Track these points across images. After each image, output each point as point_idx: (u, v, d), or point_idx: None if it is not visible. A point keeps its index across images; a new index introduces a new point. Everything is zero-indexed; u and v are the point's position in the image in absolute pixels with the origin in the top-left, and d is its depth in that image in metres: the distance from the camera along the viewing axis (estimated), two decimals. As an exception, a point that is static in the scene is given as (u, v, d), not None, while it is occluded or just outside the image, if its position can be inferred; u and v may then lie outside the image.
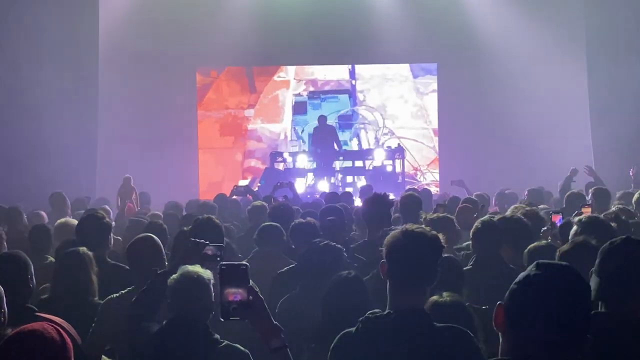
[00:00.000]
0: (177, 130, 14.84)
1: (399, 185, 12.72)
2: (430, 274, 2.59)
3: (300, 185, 12.62)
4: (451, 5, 14.64)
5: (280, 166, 13.45)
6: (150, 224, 5.45)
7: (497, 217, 4.75)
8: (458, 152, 14.74)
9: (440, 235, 2.66)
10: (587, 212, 5.33)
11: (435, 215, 5.11)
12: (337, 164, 13.47)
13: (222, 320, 2.25)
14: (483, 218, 4.64)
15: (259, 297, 2.31)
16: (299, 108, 15.69)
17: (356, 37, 14.64)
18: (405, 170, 13.85)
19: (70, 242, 4.69)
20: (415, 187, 11.68)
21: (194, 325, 3.03)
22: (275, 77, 15.83)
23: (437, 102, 15.68)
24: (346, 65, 15.84)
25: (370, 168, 13.46)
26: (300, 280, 4.00)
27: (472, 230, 4.47)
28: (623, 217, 4.94)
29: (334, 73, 15.88)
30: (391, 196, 5.70)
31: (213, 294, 3.04)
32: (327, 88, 15.86)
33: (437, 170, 15.65)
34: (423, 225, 3.12)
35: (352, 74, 15.90)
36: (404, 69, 15.82)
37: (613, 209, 5.75)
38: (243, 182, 14.12)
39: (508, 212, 5.62)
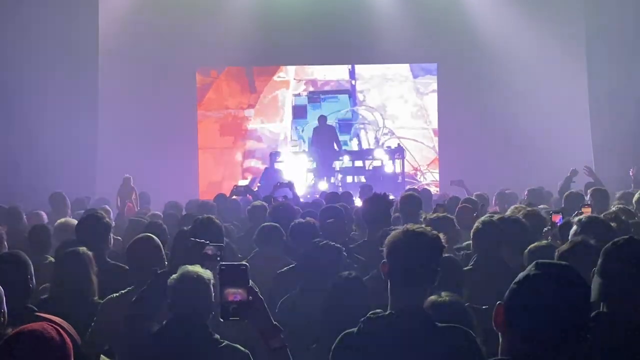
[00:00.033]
0: (177, 130, 14.84)
1: (399, 185, 12.72)
2: (432, 274, 2.58)
3: (301, 186, 12.61)
4: (451, 5, 14.64)
5: (281, 166, 13.44)
6: (150, 224, 5.45)
7: (496, 217, 4.75)
8: (458, 152, 14.74)
9: (441, 235, 2.66)
10: (587, 212, 5.33)
11: (435, 215, 5.12)
12: (337, 164, 13.46)
13: (222, 320, 2.25)
14: (483, 218, 4.64)
15: (258, 297, 2.31)
16: (299, 112, 15.69)
17: (356, 37, 14.64)
18: (405, 170, 13.85)
19: (70, 242, 4.69)
20: (415, 187, 11.68)
21: (194, 325, 3.03)
22: (275, 77, 15.82)
23: (437, 102, 15.67)
24: (346, 65, 15.83)
25: (370, 168, 13.46)
26: (300, 280, 4.00)
27: (472, 230, 4.47)
28: (623, 217, 4.94)
29: (334, 73, 15.88)
30: (391, 196, 5.70)
31: (213, 294, 3.04)
32: (327, 88, 15.86)
33: (437, 170, 15.65)
34: (423, 225, 3.11)
35: (352, 74, 15.89)
36: (404, 69, 15.82)
37: (613, 208, 5.75)
38: (243, 182, 14.12)
39: (508, 212, 5.63)
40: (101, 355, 3.42)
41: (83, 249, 4.12)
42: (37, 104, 11.90)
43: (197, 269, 3.11)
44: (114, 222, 6.23)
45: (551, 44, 13.90)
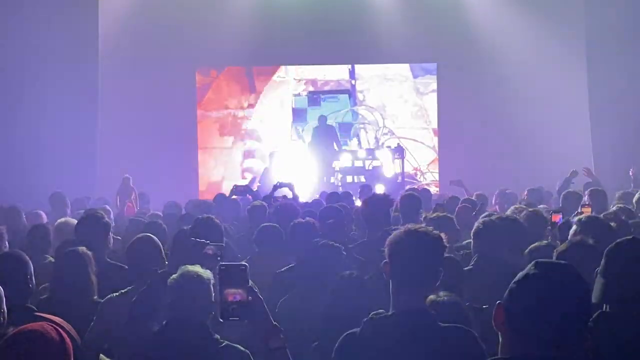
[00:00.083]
0: (177, 130, 14.85)
1: (399, 185, 12.71)
2: (434, 274, 2.58)
3: (301, 187, 12.59)
4: (451, 5, 14.64)
5: (280, 166, 13.43)
6: (150, 224, 5.45)
7: (495, 217, 4.75)
8: (458, 152, 14.74)
9: (443, 235, 2.66)
10: (587, 212, 5.33)
11: (435, 214, 5.12)
12: (337, 164, 13.46)
13: (222, 320, 2.25)
14: (484, 218, 4.64)
15: (258, 298, 2.31)
16: (299, 115, 15.69)
17: (356, 37, 14.63)
18: (405, 170, 13.84)
19: (69, 241, 4.68)
20: (415, 187, 11.67)
21: (194, 325, 3.02)
22: (275, 77, 15.82)
23: (436, 102, 15.67)
24: (346, 65, 15.83)
25: (370, 168, 13.45)
26: (299, 280, 4.00)
27: (473, 230, 4.47)
28: (623, 217, 4.95)
29: (334, 73, 15.88)
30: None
31: (213, 294, 3.04)
32: (326, 88, 15.86)
33: (437, 170, 15.64)
34: (424, 225, 3.11)
35: (352, 74, 15.89)
36: (403, 69, 15.82)
37: (613, 208, 5.75)
38: (242, 182, 14.11)
39: (508, 212, 5.63)
40: (101, 355, 3.42)
41: (83, 248, 4.12)
42: (37, 103, 11.90)
43: (197, 269, 3.11)
44: (113, 222, 6.23)
45: (551, 44, 13.89)
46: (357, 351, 2.51)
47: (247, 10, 14.36)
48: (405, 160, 13.79)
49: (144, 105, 14.23)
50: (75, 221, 5.55)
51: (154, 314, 3.28)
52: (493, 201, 8.90)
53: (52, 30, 12.05)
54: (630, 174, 9.55)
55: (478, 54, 14.52)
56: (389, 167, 13.31)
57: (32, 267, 3.66)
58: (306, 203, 8.18)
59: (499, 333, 1.91)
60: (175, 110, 14.79)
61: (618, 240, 2.66)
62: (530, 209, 5.39)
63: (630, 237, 2.67)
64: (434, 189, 13.63)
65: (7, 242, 5.29)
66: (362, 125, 15.88)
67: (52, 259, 4.89)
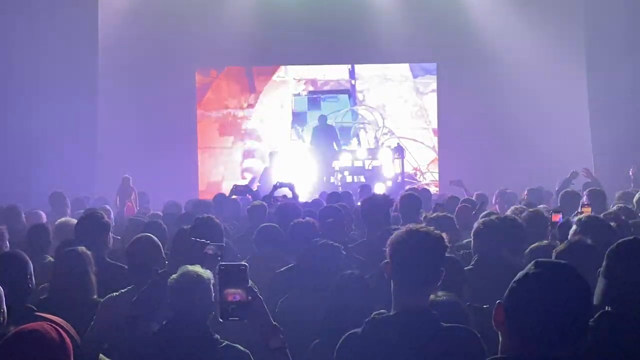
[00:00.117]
0: (177, 130, 14.84)
1: (399, 185, 12.71)
2: (435, 273, 2.57)
3: (301, 187, 12.59)
4: (451, 5, 14.64)
5: (280, 166, 13.43)
6: (150, 224, 5.45)
7: (495, 217, 4.75)
8: (458, 152, 14.73)
9: (444, 235, 2.66)
10: (586, 212, 5.33)
11: (435, 214, 5.13)
12: (337, 164, 13.46)
13: (222, 320, 2.25)
14: (484, 218, 4.64)
15: (258, 298, 2.31)
16: (299, 118, 15.68)
17: (356, 37, 14.63)
18: (405, 170, 13.84)
19: (69, 241, 4.68)
20: (415, 187, 11.67)
21: (194, 325, 3.02)
22: (275, 77, 15.82)
23: (436, 102, 15.67)
24: (346, 65, 15.83)
25: (370, 168, 13.45)
26: (299, 280, 4.00)
27: (473, 230, 4.47)
28: (623, 217, 4.94)
29: (334, 73, 15.88)
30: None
31: (213, 293, 3.04)
32: (326, 88, 15.86)
33: (437, 170, 15.64)
34: (424, 225, 3.11)
35: (352, 73, 15.89)
36: (403, 68, 15.81)
37: (614, 208, 5.75)
38: (242, 182, 14.11)
39: (508, 212, 5.63)
40: (101, 355, 3.42)
41: (82, 248, 4.11)
42: (37, 103, 11.89)
43: (197, 268, 3.11)
44: (113, 222, 6.23)
45: (551, 44, 13.89)
46: (359, 351, 2.51)
47: (247, 10, 14.36)
48: (405, 160, 13.78)
49: (143, 105, 14.23)
50: (75, 221, 5.55)
51: (154, 314, 3.28)
52: (493, 201, 8.90)
53: (52, 30, 12.05)
54: (630, 174, 9.55)
55: (478, 54, 14.52)
56: (389, 167, 13.30)
57: (32, 267, 3.66)
58: (306, 203, 8.18)
59: (499, 333, 1.91)
60: (175, 110, 14.79)
61: (619, 241, 2.65)
62: (530, 209, 5.39)
63: (632, 237, 2.66)
64: (433, 189, 13.63)
65: (7, 242, 5.29)
66: (362, 125, 15.88)
67: (52, 259, 4.89)
